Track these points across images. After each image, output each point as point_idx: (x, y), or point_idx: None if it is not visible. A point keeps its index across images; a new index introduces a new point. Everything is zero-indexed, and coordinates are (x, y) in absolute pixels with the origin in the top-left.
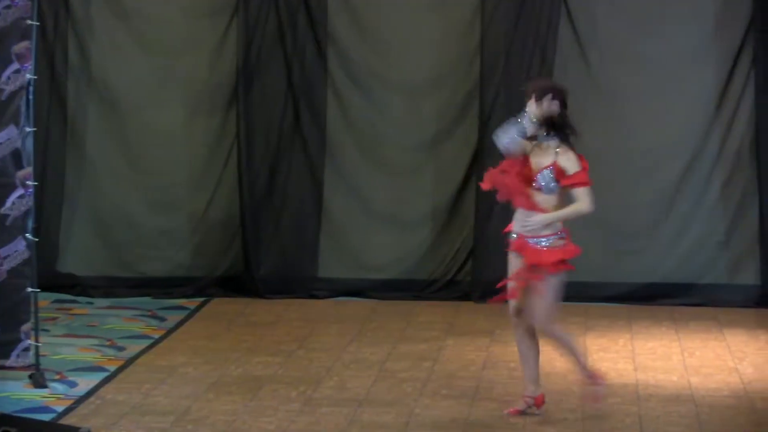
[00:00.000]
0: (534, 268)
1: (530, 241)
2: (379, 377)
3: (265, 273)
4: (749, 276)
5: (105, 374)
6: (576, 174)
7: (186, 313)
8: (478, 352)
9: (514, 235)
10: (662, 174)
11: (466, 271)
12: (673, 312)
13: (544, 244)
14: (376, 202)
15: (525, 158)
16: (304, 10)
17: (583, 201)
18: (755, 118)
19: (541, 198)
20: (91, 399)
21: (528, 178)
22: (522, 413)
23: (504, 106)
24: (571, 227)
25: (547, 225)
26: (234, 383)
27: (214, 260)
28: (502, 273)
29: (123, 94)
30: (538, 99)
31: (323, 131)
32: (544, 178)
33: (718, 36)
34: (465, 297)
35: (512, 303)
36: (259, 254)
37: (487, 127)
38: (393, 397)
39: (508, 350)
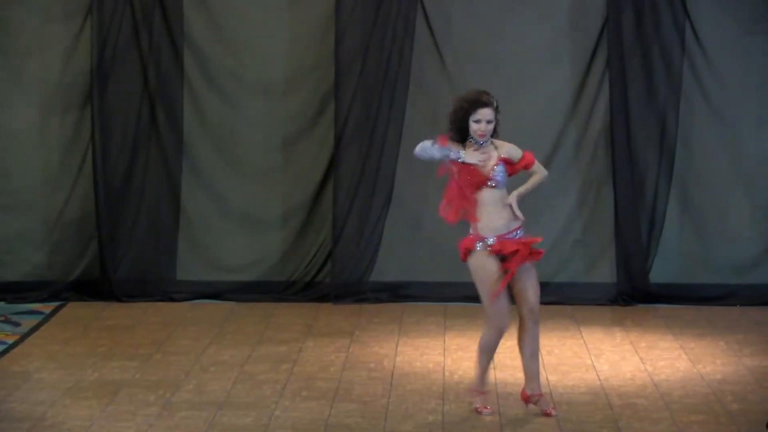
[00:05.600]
0: (529, 254)
1: (510, 236)
2: (239, 380)
3: (121, 276)
4: (604, 274)
5: None
6: (524, 154)
7: (41, 317)
8: (337, 353)
9: (491, 240)
10: None
11: (325, 273)
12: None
13: (520, 234)
14: (234, 203)
15: (464, 167)
16: (160, 10)
17: (541, 169)
18: (610, 116)
19: (495, 195)
20: None
21: (477, 183)
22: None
23: (361, 107)
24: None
25: (517, 218)
26: (90, 388)
27: (69, 263)
28: (361, 274)
29: None
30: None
31: (179, 131)
32: (498, 173)
33: (572, 36)
34: (324, 298)
35: (504, 300)
36: (116, 257)
37: (344, 127)
38: (253, 399)
39: (368, 351)
